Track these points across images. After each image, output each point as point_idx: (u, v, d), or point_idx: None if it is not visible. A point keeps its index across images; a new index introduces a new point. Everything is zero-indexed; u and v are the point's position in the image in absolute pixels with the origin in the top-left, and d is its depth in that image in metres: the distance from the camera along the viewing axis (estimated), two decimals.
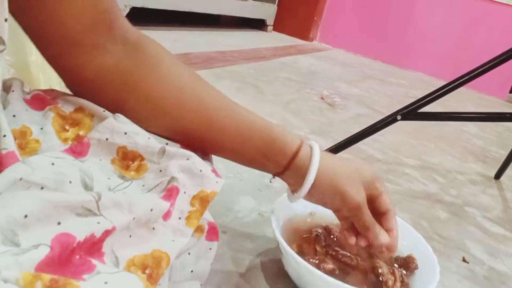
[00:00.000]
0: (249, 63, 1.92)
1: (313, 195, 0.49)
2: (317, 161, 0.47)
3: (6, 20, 0.31)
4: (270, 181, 0.53)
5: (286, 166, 0.47)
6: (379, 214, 0.51)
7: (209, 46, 2.09)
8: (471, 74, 0.85)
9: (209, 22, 2.81)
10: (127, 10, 1.79)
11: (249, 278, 0.54)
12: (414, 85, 2.59)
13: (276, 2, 3.22)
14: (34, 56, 0.63)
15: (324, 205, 0.50)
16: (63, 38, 0.39)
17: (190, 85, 0.45)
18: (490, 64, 0.83)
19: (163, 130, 0.45)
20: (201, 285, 0.47)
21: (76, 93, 0.43)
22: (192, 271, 0.46)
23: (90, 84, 0.42)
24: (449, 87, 0.85)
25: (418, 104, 0.87)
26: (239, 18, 2.92)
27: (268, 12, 3.17)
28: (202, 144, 0.47)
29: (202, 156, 0.44)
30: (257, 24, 3.22)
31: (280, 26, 3.34)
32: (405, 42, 3.16)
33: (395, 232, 0.51)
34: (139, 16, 1.87)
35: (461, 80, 0.85)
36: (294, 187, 0.49)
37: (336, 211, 0.52)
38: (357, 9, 3.29)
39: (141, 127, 0.43)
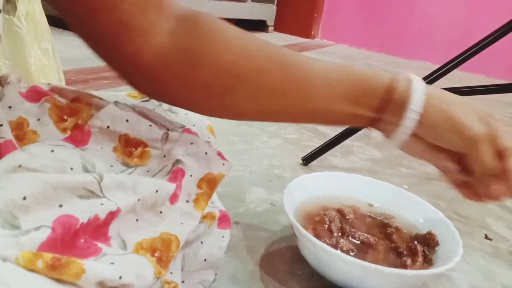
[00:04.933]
0: None
1: (423, 133, 0.41)
2: (422, 87, 0.40)
3: (0, 11, 0.30)
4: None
5: (382, 106, 0.40)
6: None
7: None
8: (474, 49, 0.83)
9: None
10: None
11: (265, 266, 0.52)
12: (421, 74, 2.53)
13: (275, 2, 3.21)
14: (33, 59, 0.63)
15: (439, 144, 0.42)
16: (115, 22, 0.35)
17: (257, 47, 0.42)
18: (493, 36, 0.81)
19: (246, 103, 0.41)
20: (215, 274, 0.46)
21: (140, 86, 0.40)
22: (205, 260, 0.44)
23: (154, 71, 0.38)
24: (453, 63, 0.83)
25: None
26: (239, 20, 2.92)
27: (268, 13, 3.16)
28: (288, 106, 0.42)
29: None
30: (258, 26, 3.21)
31: (281, 26, 3.33)
32: (409, 32, 3.13)
33: None
34: None
35: (464, 56, 0.83)
36: (393, 128, 0.41)
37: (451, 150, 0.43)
38: (357, 2, 3.27)
39: (227, 107, 0.40)
